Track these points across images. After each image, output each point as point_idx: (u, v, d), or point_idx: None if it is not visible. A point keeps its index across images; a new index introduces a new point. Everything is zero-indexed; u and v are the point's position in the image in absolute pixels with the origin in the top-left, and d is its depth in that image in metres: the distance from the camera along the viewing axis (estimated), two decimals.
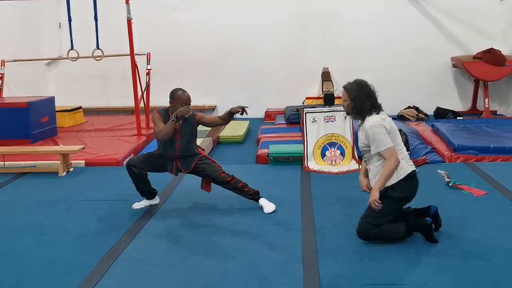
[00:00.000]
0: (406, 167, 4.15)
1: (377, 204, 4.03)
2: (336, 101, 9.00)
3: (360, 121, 4.26)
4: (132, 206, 5.17)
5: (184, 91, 4.99)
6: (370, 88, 4.21)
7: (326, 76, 10.02)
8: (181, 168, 5.07)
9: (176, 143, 4.99)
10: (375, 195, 4.05)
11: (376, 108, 4.19)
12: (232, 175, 5.09)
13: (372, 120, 4.16)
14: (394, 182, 4.10)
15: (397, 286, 3.53)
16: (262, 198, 5.10)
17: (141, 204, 5.18)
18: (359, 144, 4.32)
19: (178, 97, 4.93)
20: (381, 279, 3.61)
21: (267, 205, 5.04)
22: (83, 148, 6.94)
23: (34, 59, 9.93)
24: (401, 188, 4.12)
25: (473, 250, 4.04)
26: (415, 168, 4.22)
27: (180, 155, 5.03)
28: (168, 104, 5.01)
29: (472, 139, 7.18)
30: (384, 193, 4.09)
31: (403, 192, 4.15)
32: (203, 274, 3.77)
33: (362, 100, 4.15)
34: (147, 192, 5.14)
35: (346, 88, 4.24)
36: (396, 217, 4.21)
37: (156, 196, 5.25)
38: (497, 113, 10.41)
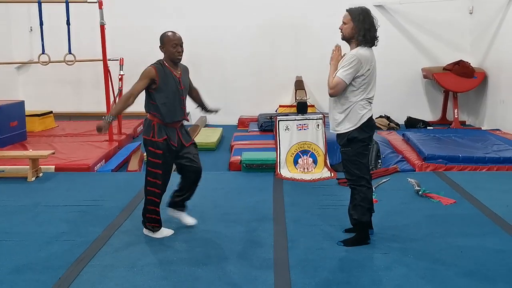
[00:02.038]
0: (368, 114, 4.20)
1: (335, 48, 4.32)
2: (309, 110, 9.06)
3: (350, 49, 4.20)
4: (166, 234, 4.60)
5: (174, 32, 4.41)
6: (372, 19, 4.14)
7: (299, 85, 10.08)
8: (183, 140, 4.51)
9: (183, 103, 4.41)
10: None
11: (372, 39, 4.13)
12: None
13: (360, 51, 4.11)
14: (357, 127, 4.17)
15: None
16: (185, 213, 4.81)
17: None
18: None
19: (168, 39, 4.37)
20: (352, 287, 3.64)
21: (188, 219, 4.81)
22: (53, 153, 6.84)
23: (4, 62, 9.75)
24: (365, 128, 4.19)
25: (442, 257, 4.11)
26: (371, 114, 4.25)
27: (183, 119, 4.48)
28: None
29: (442, 149, 7.30)
30: (350, 137, 4.17)
31: (367, 131, 4.21)
32: (174, 281, 3.75)
33: (361, 27, 4.08)
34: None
35: (350, 11, 4.16)
36: (366, 167, 4.29)
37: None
38: (466, 123, 10.60)
